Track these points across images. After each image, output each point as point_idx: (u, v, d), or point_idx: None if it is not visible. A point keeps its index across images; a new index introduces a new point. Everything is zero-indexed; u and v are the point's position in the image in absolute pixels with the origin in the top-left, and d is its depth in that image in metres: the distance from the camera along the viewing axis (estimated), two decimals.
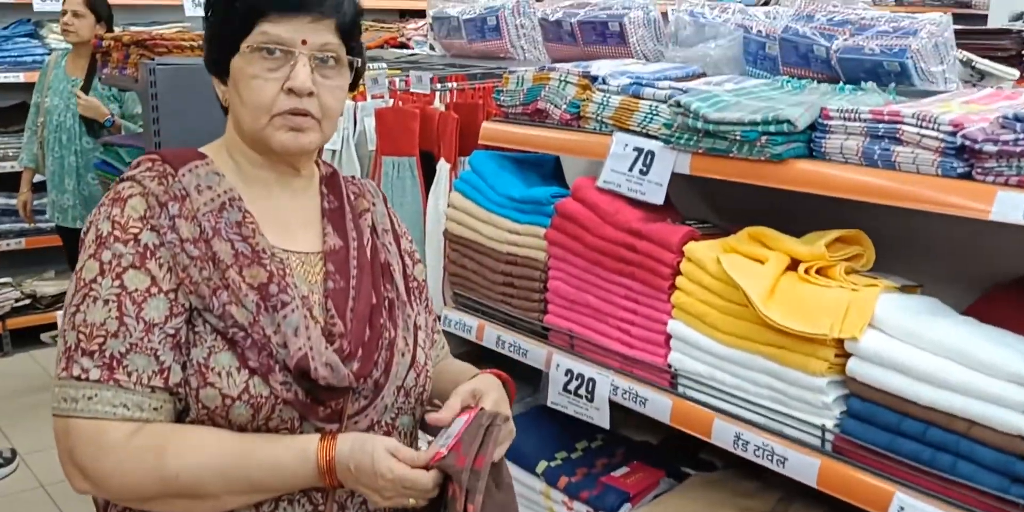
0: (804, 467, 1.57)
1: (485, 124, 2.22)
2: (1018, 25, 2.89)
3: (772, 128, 1.61)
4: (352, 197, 1.50)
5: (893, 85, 1.82)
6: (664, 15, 2.43)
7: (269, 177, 1.40)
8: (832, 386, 1.55)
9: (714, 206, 2.21)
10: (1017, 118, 1.36)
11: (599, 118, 1.99)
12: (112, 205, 1.31)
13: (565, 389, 2.01)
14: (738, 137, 1.65)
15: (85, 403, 1.23)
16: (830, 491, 1.54)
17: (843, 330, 1.50)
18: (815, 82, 1.94)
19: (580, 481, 2.08)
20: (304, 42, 1.30)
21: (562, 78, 2.07)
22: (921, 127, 1.47)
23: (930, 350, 1.43)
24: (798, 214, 1.83)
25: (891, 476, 1.47)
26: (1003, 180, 1.38)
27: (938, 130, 1.44)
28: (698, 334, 1.74)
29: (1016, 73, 2.11)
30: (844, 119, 1.57)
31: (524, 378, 2.37)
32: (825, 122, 1.60)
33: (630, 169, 1.88)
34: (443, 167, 2.41)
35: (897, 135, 1.50)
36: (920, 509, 1.41)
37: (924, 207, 1.46)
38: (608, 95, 1.97)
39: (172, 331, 1.27)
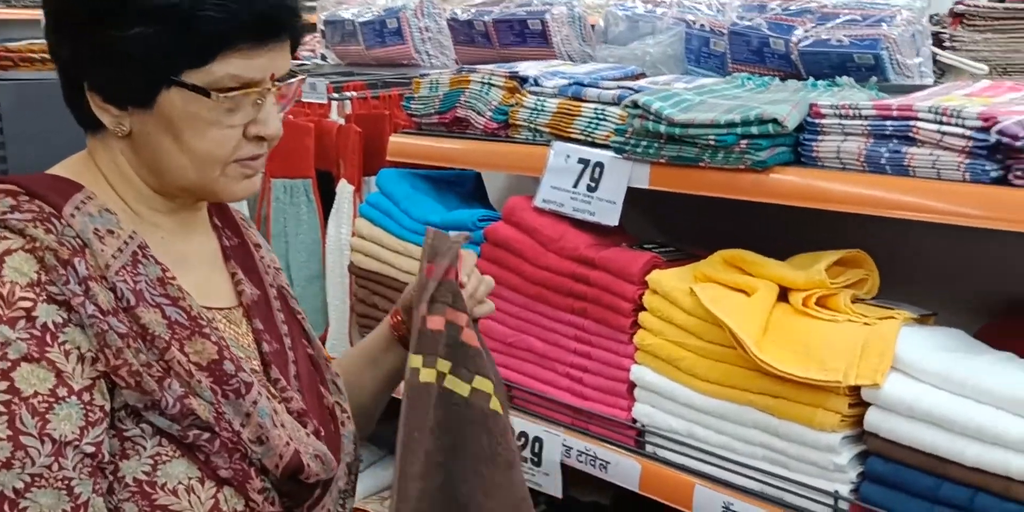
0: None
1: (393, 137, 1.89)
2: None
3: (754, 130, 1.33)
4: (243, 229, 1.21)
5: (873, 80, 1.57)
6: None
7: (168, 221, 1.07)
8: (846, 443, 1.27)
9: (661, 226, 1.92)
10: None
11: (532, 126, 1.68)
12: None
13: None
14: (712, 142, 1.36)
15: None
16: None
17: (860, 375, 1.22)
18: (776, 79, 1.67)
19: None
20: (272, 76, 1.00)
21: (485, 80, 1.76)
22: (941, 123, 1.20)
23: (973, 397, 1.15)
24: (765, 233, 1.55)
25: None
26: None
27: (964, 126, 1.18)
28: (670, 382, 1.44)
29: (986, 68, 1.91)
30: (841, 117, 1.30)
31: None
32: (816, 121, 1.33)
33: (575, 185, 1.58)
34: (345, 189, 2.07)
35: (911, 134, 1.23)
36: None
37: (953, 221, 1.19)
38: (542, 98, 1.66)
39: (91, 449, 0.91)
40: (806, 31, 1.72)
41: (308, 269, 2.15)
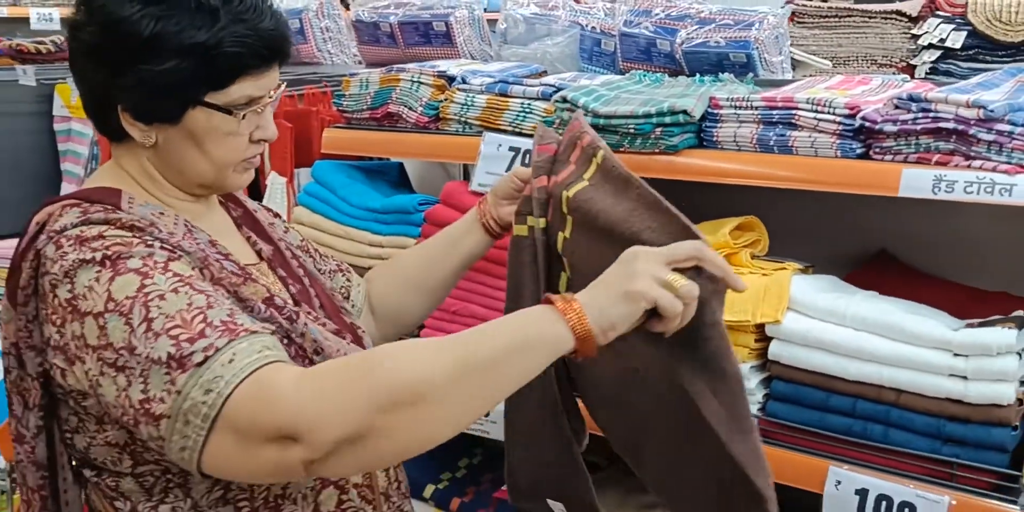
0: None
1: (328, 132, 2.06)
2: None
3: (667, 119, 1.60)
4: (242, 199, 1.43)
5: (751, 76, 1.88)
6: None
7: (192, 206, 1.29)
8: (754, 371, 1.56)
9: None
10: (912, 99, 1.43)
11: (463, 119, 1.90)
12: (80, 246, 1.09)
13: None
14: (631, 130, 1.63)
15: (228, 370, 0.99)
16: None
17: (764, 314, 1.51)
18: (666, 76, 1.96)
19: (472, 500, 1.98)
20: (271, 91, 1.23)
21: (415, 79, 1.96)
22: (817, 111, 1.51)
23: (852, 326, 1.47)
24: (676, 205, 1.82)
25: (823, 452, 1.50)
26: (902, 158, 1.45)
27: (834, 113, 1.49)
28: None
29: (829, 63, 2.26)
30: (735, 107, 1.59)
31: None
32: (716, 111, 1.62)
33: (507, 170, 1.81)
34: (276, 181, 2.22)
35: (793, 120, 1.54)
36: (856, 479, 1.45)
37: (828, 189, 1.50)
38: (471, 95, 1.89)
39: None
40: (688, 33, 2.01)
41: None
